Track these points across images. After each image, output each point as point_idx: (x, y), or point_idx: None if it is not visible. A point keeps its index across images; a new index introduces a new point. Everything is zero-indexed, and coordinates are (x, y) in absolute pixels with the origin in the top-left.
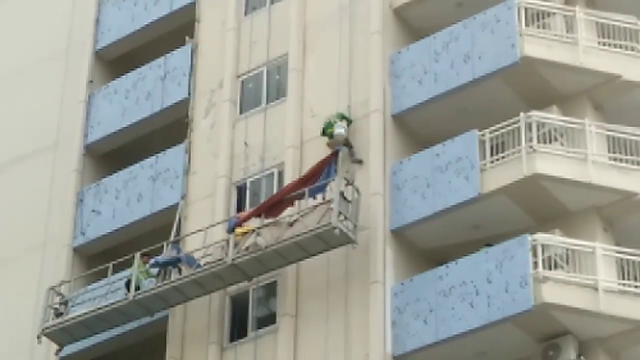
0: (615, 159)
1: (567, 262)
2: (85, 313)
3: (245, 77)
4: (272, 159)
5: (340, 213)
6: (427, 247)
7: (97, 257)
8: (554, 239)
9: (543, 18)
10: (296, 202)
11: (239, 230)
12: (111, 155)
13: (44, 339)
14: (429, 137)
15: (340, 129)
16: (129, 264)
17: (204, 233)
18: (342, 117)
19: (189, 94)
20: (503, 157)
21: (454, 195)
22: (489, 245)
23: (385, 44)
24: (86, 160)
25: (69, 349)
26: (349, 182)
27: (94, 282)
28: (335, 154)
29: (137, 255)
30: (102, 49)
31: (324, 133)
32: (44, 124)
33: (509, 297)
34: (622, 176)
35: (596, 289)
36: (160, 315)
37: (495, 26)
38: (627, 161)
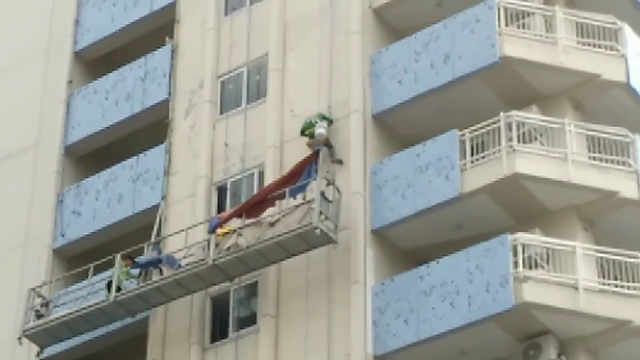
0: (595, 159)
1: (548, 262)
2: (68, 314)
3: (225, 77)
4: (253, 159)
5: (321, 213)
6: (408, 247)
7: (78, 258)
8: (535, 239)
9: (523, 18)
10: (277, 202)
11: (220, 230)
12: (91, 156)
13: (25, 340)
14: (410, 137)
15: (321, 129)
16: (110, 265)
17: (185, 234)
18: (323, 117)
19: (169, 94)
20: (483, 157)
21: (435, 195)
22: None
23: (366, 44)
24: (66, 161)
25: (50, 350)
26: (329, 182)
27: (75, 283)
28: (315, 154)
29: (118, 256)
30: (82, 50)
31: (302, 133)
32: (23, 124)
33: (489, 296)
34: (601, 175)
35: (576, 288)
36: (142, 315)
37: (475, 26)
38: (606, 160)
